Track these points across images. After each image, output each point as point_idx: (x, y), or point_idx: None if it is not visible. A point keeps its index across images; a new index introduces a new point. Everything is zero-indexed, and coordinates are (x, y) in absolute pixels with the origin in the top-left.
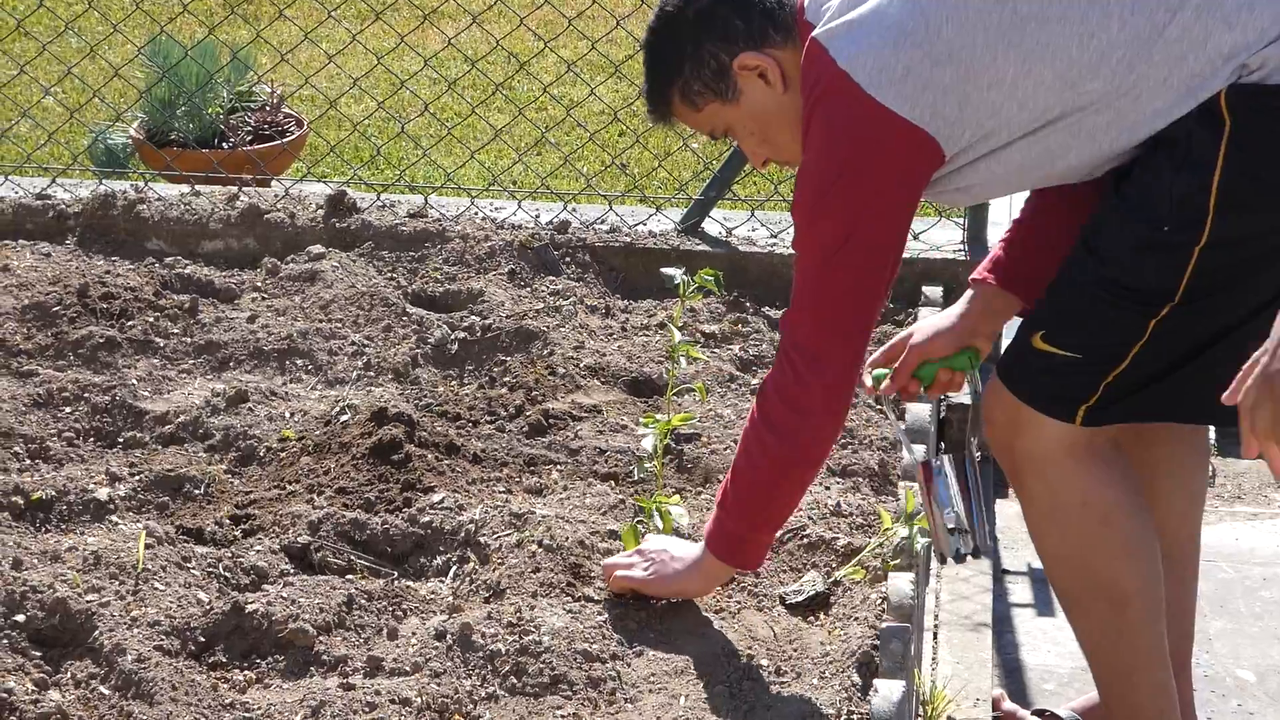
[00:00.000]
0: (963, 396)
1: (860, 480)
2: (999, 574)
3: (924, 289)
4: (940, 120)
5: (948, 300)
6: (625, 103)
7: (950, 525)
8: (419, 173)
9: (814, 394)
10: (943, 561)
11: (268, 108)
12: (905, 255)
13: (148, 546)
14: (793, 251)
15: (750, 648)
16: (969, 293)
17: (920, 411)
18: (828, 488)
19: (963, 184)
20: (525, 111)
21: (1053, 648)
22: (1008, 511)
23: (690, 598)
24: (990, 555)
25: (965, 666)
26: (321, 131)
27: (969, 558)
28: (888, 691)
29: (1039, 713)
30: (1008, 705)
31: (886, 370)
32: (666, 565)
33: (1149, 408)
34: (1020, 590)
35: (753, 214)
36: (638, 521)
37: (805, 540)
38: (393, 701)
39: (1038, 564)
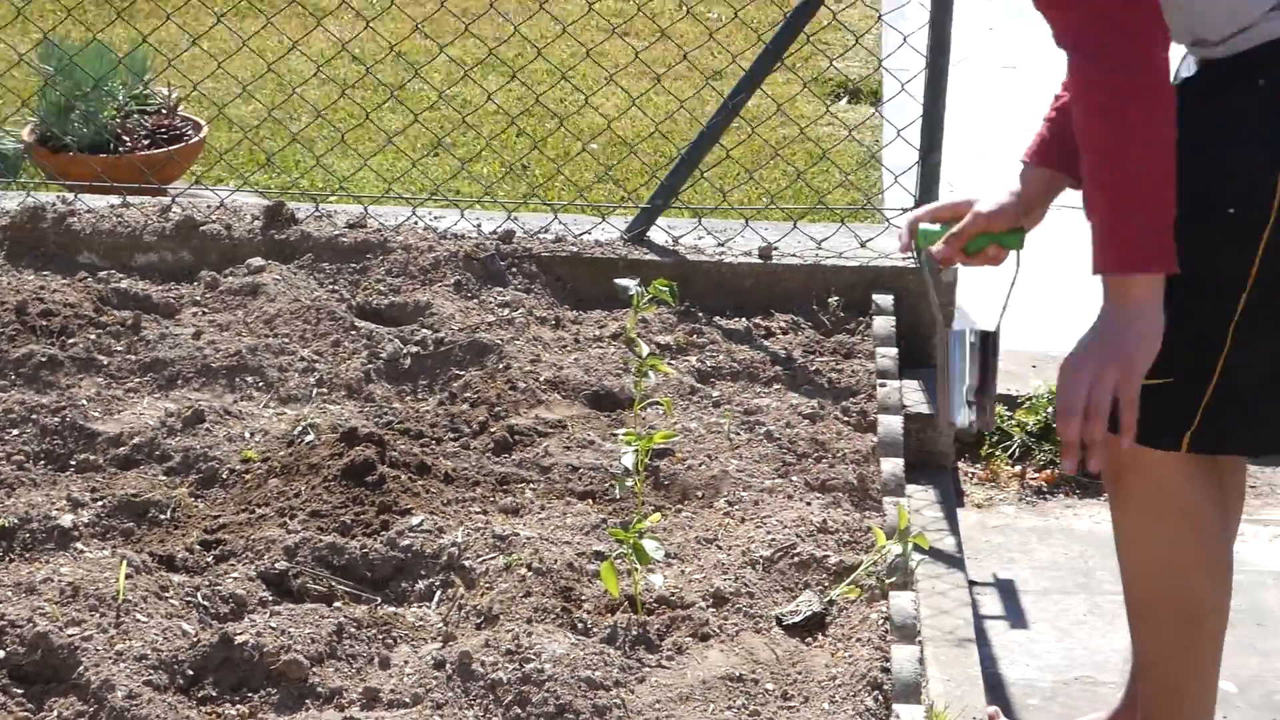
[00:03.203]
0: None
1: (840, 495)
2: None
3: (874, 297)
4: None
5: (898, 309)
6: (521, 105)
7: (969, 399)
8: (316, 180)
9: (1126, 36)
10: (945, 425)
11: (163, 111)
12: (852, 264)
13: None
14: (743, 260)
15: (754, 671)
16: (1022, 170)
17: (893, 426)
18: (809, 503)
19: None
20: (420, 116)
21: (1031, 661)
22: (968, 521)
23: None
24: (990, 431)
25: (956, 684)
26: (215, 135)
27: (970, 429)
28: (910, 716)
29: None
30: None
31: (933, 228)
32: (1109, 347)
33: (1259, 438)
34: (989, 602)
35: (699, 222)
36: (616, 557)
37: (796, 559)
38: None
39: (1004, 574)
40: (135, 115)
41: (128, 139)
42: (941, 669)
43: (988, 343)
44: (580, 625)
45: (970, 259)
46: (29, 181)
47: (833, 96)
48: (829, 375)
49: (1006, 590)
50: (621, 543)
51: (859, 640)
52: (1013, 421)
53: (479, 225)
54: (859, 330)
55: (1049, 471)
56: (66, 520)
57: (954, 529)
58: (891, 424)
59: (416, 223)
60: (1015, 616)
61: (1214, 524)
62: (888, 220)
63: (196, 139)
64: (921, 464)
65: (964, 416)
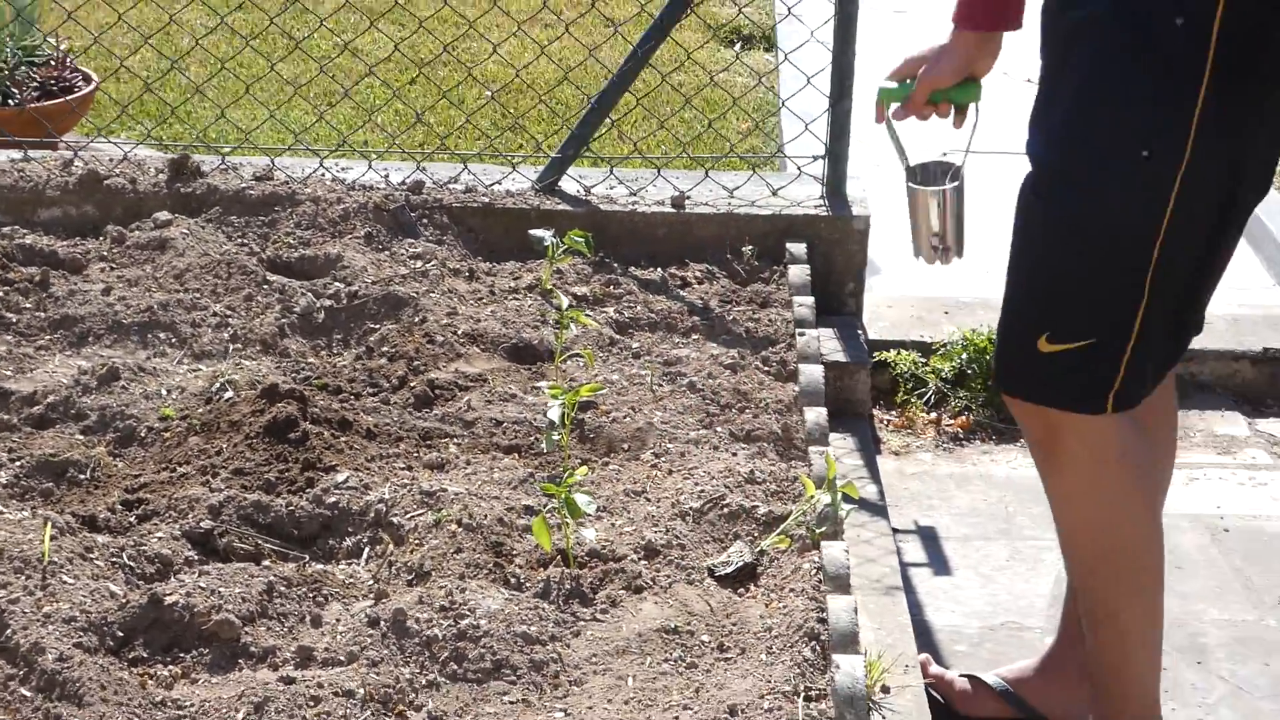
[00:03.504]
0: None
1: (765, 445)
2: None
3: (788, 245)
4: None
5: (812, 256)
6: (417, 53)
7: (934, 244)
8: (210, 133)
9: None
10: (917, 257)
11: (52, 63)
12: (765, 213)
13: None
14: (656, 209)
15: (689, 623)
16: (953, 30)
17: (815, 375)
18: (735, 454)
19: None
20: (322, 67)
21: (956, 608)
22: (886, 468)
23: None
24: (960, 256)
25: (886, 632)
26: (114, 87)
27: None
28: (850, 667)
29: (965, 677)
30: (935, 669)
31: (891, 85)
32: None
33: (1163, 368)
34: (912, 549)
35: (611, 171)
36: (547, 511)
37: (725, 510)
38: (336, 694)
39: (925, 521)
40: (23, 67)
41: (17, 91)
42: (871, 618)
43: (949, 197)
44: (513, 580)
45: (925, 112)
46: None
47: (725, 43)
48: (746, 325)
49: (928, 537)
50: (552, 497)
51: (792, 591)
52: (927, 368)
53: (387, 176)
54: (774, 279)
55: (964, 418)
56: None
57: (875, 477)
58: (813, 373)
59: (324, 174)
60: (938, 563)
61: (1148, 467)
62: (799, 168)
63: (88, 90)
64: (839, 412)
65: (931, 258)
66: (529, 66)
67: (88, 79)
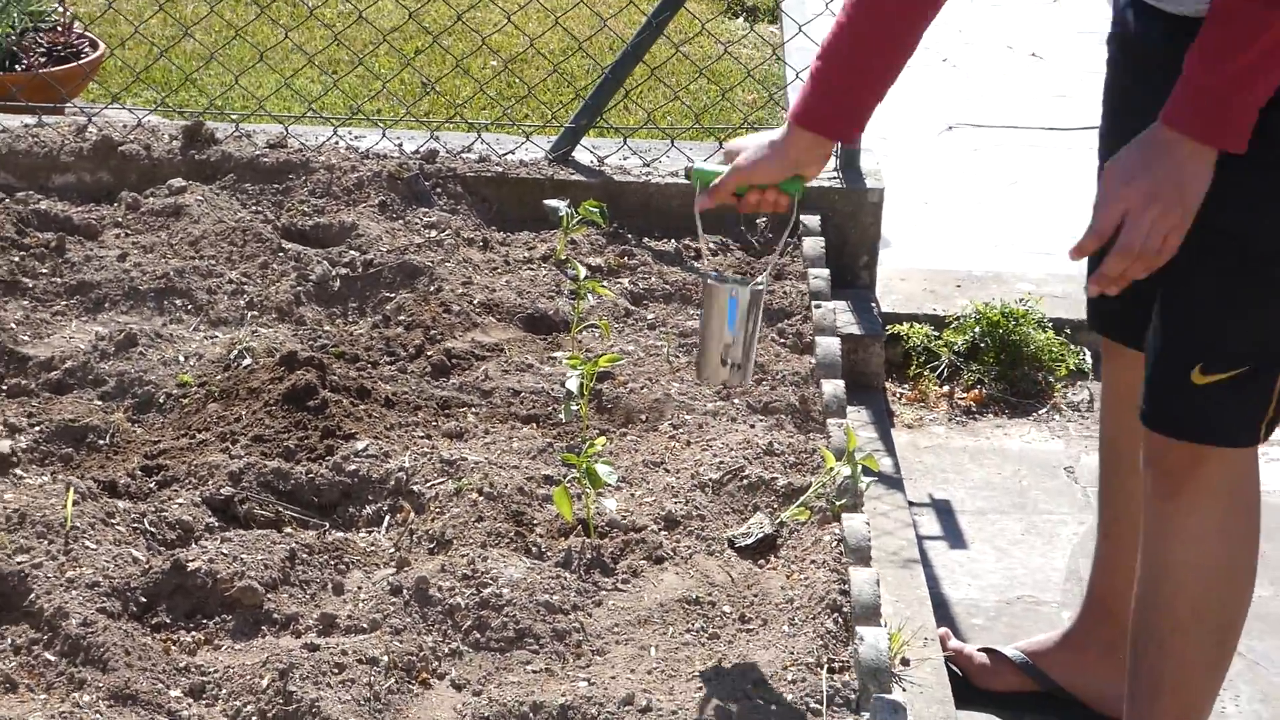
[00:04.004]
0: None
1: (783, 417)
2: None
3: (801, 218)
4: None
5: (825, 229)
6: (423, 22)
7: (723, 356)
8: (218, 101)
9: None
10: (699, 381)
11: (59, 28)
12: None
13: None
14: (670, 180)
15: (710, 594)
16: (788, 127)
17: (832, 347)
18: (753, 426)
19: None
20: (327, 35)
21: (972, 581)
22: (900, 441)
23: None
24: (748, 390)
25: (905, 605)
26: (127, 54)
27: (725, 389)
28: (874, 639)
29: (984, 651)
30: (954, 643)
31: (708, 168)
32: (1171, 187)
33: None
34: (927, 522)
35: (625, 142)
36: (568, 481)
37: (745, 481)
38: (360, 661)
39: (940, 494)
40: (30, 32)
41: (25, 56)
42: (889, 590)
43: (752, 301)
44: (535, 549)
45: (747, 204)
46: None
47: (729, 14)
48: None
49: (944, 511)
50: (572, 467)
51: (813, 562)
52: (940, 341)
53: (400, 145)
54: (788, 251)
55: (977, 391)
56: (4, 446)
57: (890, 450)
58: (829, 345)
59: (337, 142)
60: (954, 537)
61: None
62: None
63: (96, 55)
64: (852, 385)
65: (718, 376)
66: (540, 37)
67: (94, 44)
